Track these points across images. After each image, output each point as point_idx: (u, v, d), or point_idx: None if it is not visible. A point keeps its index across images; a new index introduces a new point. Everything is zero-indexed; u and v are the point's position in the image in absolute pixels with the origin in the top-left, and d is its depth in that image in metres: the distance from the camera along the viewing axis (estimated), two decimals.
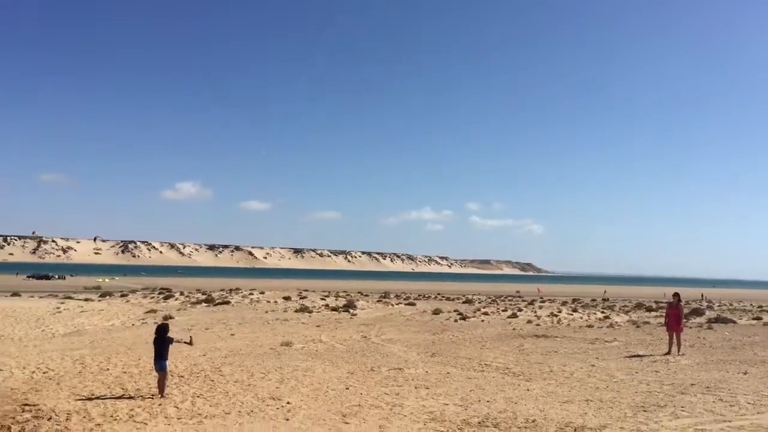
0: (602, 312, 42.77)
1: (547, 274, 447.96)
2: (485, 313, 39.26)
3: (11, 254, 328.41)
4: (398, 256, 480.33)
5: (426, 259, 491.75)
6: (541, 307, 46.71)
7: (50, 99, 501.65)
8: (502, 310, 42.44)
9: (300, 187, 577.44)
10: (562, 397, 12.81)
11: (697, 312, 40.40)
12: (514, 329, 29.28)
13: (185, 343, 13.08)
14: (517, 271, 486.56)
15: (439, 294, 73.59)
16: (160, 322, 13.06)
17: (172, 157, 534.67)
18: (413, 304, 47.92)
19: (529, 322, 33.39)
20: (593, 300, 67.33)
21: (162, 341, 12.21)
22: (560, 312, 40.98)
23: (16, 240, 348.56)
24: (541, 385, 14.23)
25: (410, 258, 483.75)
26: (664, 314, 24.20)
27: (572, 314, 39.79)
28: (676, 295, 21.26)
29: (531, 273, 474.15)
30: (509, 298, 68.69)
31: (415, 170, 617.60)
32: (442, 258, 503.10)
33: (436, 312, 39.12)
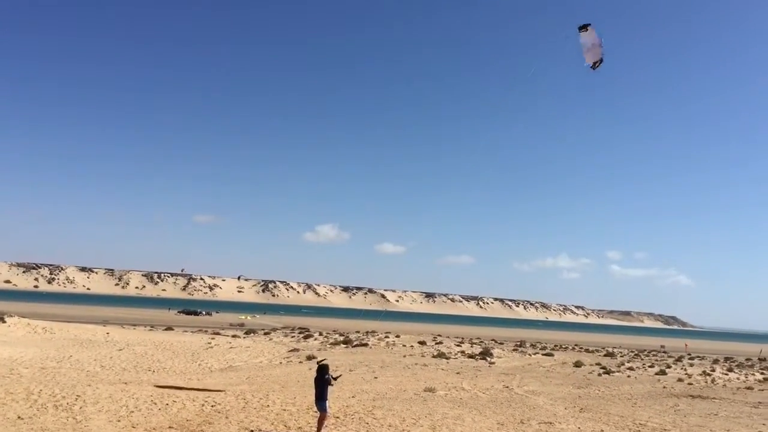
0: (761, 373, 39.63)
1: (693, 329, 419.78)
2: (630, 368, 37.53)
3: (164, 290, 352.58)
4: (531, 304, 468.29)
5: (560, 308, 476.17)
6: (691, 365, 43.96)
7: (210, 142, 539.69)
8: (648, 366, 40.35)
9: (434, 230, 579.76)
10: None
11: None
12: (664, 387, 27.83)
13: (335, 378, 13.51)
14: (660, 324, 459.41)
15: (576, 345, 71.05)
16: (320, 362, 13.64)
17: (315, 201, 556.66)
18: (551, 355, 46.61)
19: (680, 380, 31.58)
20: (748, 359, 62.44)
21: (322, 382, 12.79)
22: (713, 371, 38.43)
23: (168, 277, 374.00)
24: None
25: (544, 306, 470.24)
26: None
27: (727, 374, 37.19)
28: None
29: (675, 327, 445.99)
30: (654, 353, 65.08)
31: (553, 216, 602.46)
32: (577, 307, 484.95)
33: (578, 364, 37.85)
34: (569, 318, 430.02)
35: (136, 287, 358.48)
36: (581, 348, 63.73)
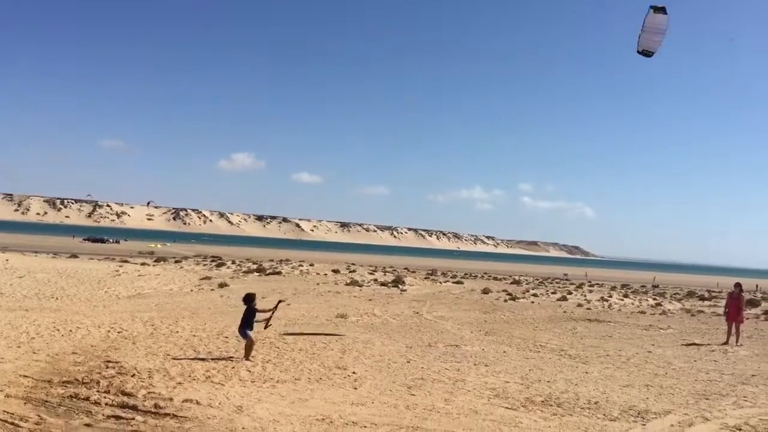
0: (653, 299, 42.32)
1: (594, 258, 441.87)
2: (534, 295, 39.26)
3: (68, 217, 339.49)
4: (444, 234, 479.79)
5: (472, 239, 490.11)
6: (590, 291, 46.40)
7: (115, 66, 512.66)
8: (551, 293, 42.33)
9: (351, 160, 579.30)
10: (622, 381, 12.94)
11: (753, 303, 39.61)
12: (564, 312, 29.29)
13: (265, 320, 13.36)
14: (564, 254, 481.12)
15: (485, 273, 73.53)
16: (247, 292, 13.56)
17: (230, 128, 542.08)
18: (461, 283, 48.13)
19: (580, 305, 33.30)
20: (643, 286, 66.44)
21: (249, 311, 12.74)
22: (611, 297, 40.72)
23: (72, 203, 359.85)
24: (599, 368, 14.35)
25: (456, 236, 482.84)
26: (721, 304, 23.90)
27: (623, 300, 39.52)
28: (737, 285, 21.00)
29: (578, 256, 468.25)
30: (557, 280, 68.23)
31: (467, 149, 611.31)
32: (488, 238, 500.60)
33: (485, 291, 39.27)
34: (480, 248, 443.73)
35: (38, 213, 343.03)
36: (490, 276, 66.00)
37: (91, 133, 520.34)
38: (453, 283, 48.05)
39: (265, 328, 13.70)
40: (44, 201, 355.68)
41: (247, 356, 12.67)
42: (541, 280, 65.34)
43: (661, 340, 20.39)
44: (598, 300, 37.41)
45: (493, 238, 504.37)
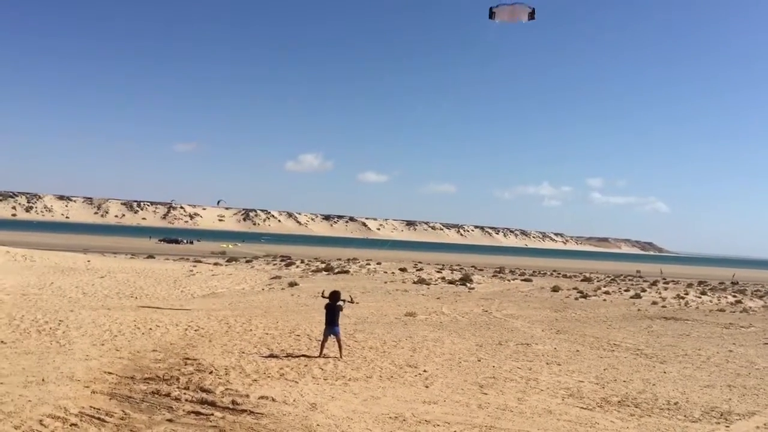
0: (733, 296, 40.73)
1: (669, 254, 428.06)
2: (606, 293, 38.37)
3: (144, 219, 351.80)
4: (511, 231, 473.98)
5: (540, 235, 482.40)
6: (666, 289, 45.02)
7: (187, 72, 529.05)
8: (624, 290, 41.28)
9: (418, 159, 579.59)
10: (702, 381, 12.52)
11: None
12: (639, 310, 28.54)
13: (351, 301, 14.03)
14: (636, 250, 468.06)
15: (555, 271, 72.31)
16: (332, 289, 13.88)
17: (299, 129, 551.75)
18: (530, 281, 47.49)
19: (655, 303, 32.37)
20: (721, 283, 64.03)
21: (333, 308, 12.98)
22: (687, 294, 39.42)
23: (148, 205, 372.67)
24: (677, 368, 13.93)
25: (524, 233, 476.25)
26: None
27: (700, 297, 38.19)
28: None
29: (652, 252, 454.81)
30: (629, 277, 66.45)
31: (536, 144, 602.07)
32: (557, 234, 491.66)
33: (555, 289, 38.62)
34: (548, 245, 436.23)
35: (116, 216, 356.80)
36: (559, 274, 64.88)
37: (166, 137, 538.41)
38: (522, 280, 47.47)
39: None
40: (122, 204, 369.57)
41: (340, 355, 12.90)
42: (612, 277, 63.75)
43: (743, 339, 19.63)
44: (674, 297, 36.26)
45: (561, 235, 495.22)
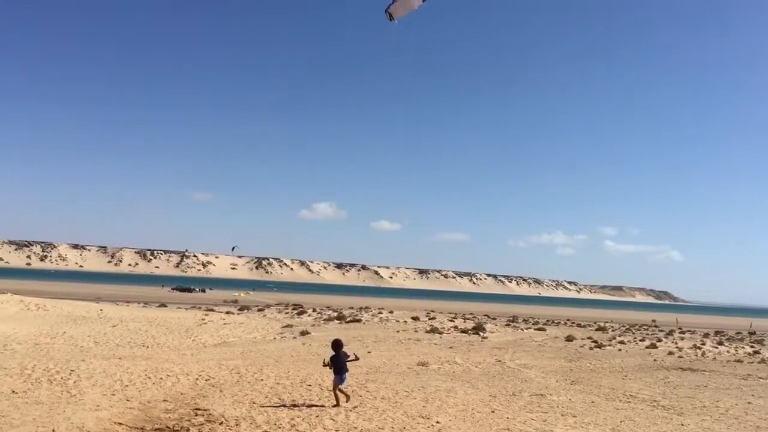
0: (751, 346, 40.05)
1: (684, 304, 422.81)
2: (621, 342, 37.86)
3: (157, 267, 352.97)
4: (524, 280, 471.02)
5: (553, 284, 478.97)
6: (682, 338, 44.38)
7: (202, 124, 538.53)
8: (639, 340, 40.72)
9: (431, 207, 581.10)
10: None
11: None
12: (655, 360, 28.11)
13: (356, 359, 13.67)
14: (651, 299, 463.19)
15: (568, 320, 71.58)
16: (334, 338, 13.86)
17: (313, 179, 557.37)
18: (543, 330, 46.99)
19: (671, 353, 31.88)
20: (738, 333, 63.07)
21: (338, 356, 12.90)
22: (704, 344, 38.80)
23: (161, 254, 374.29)
24: (695, 420, 13.67)
25: (537, 282, 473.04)
26: None
27: (717, 347, 37.57)
28: None
29: (667, 301, 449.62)
30: (645, 327, 65.62)
31: (549, 193, 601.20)
32: (570, 283, 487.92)
33: (569, 338, 38.15)
34: (562, 293, 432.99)
35: (129, 264, 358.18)
36: (573, 323, 64.20)
37: (180, 187, 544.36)
38: (535, 330, 46.98)
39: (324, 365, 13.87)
40: (135, 252, 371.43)
41: (347, 401, 12.80)
42: (627, 326, 62.97)
43: (762, 391, 19.25)
44: (691, 348, 35.71)
45: (575, 284, 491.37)
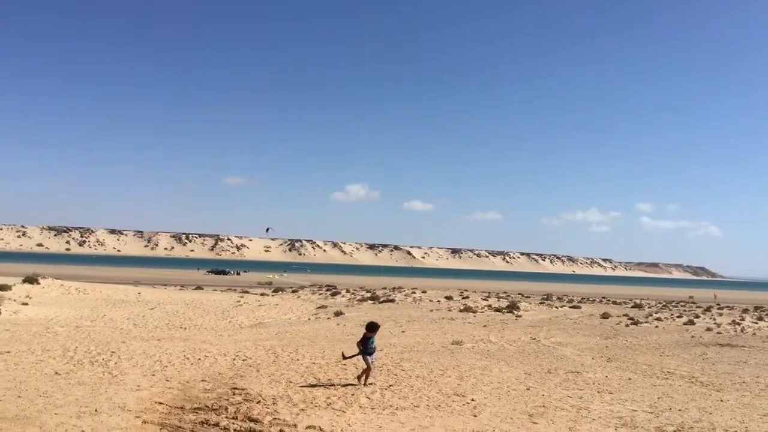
0: None
1: (722, 279, 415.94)
2: (658, 319, 37.41)
3: (192, 251, 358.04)
4: (558, 258, 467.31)
5: (588, 261, 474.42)
6: (720, 314, 43.68)
7: (236, 107, 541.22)
8: (677, 316, 40.18)
9: (465, 187, 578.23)
10: (762, 410, 12.07)
11: None
12: (692, 336, 27.72)
13: (350, 356, 13.77)
14: (688, 275, 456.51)
15: (603, 297, 70.99)
16: (369, 321, 13.89)
17: (346, 161, 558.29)
18: (578, 307, 46.64)
19: (709, 329, 31.41)
20: None
21: (367, 337, 12.98)
22: (743, 320, 38.16)
23: (196, 237, 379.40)
24: (734, 396, 13.46)
25: (571, 260, 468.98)
26: None
27: (757, 323, 36.91)
28: None
29: (704, 277, 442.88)
30: (682, 303, 64.77)
31: (583, 170, 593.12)
32: (605, 260, 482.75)
33: (605, 316, 37.83)
34: (596, 271, 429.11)
35: (165, 248, 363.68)
36: (608, 300, 63.66)
37: (215, 171, 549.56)
38: (570, 307, 46.65)
39: (344, 358, 14.11)
40: (171, 236, 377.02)
41: (365, 382, 12.85)
42: (664, 303, 62.20)
43: None
44: (729, 323, 35.15)
45: (610, 261, 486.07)
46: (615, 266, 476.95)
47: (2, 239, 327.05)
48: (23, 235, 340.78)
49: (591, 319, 36.02)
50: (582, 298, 64.73)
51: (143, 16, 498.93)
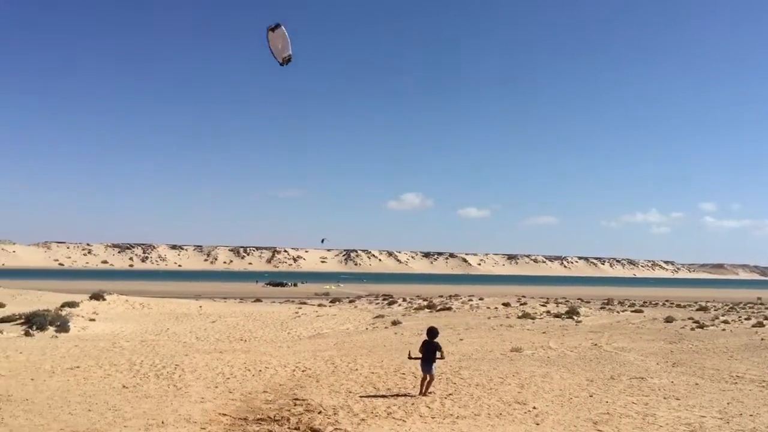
0: None
1: None
2: (725, 322, 36.23)
3: (250, 264, 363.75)
4: (618, 261, 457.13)
5: (649, 264, 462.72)
6: None
7: (290, 121, 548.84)
8: (745, 319, 38.86)
9: (519, 191, 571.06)
10: None
11: None
12: (762, 339, 26.69)
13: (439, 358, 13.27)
14: (756, 276, 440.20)
15: (667, 300, 69.16)
16: (430, 326, 13.79)
17: (401, 170, 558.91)
18: (640, 311, 45.58)
19: None
20: None
21: (430, 345, 12.86)
22: None
23: (254, 250, 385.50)
24: None
25: (631, 263, 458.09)
26: None
27: None
28: None
29: None
30: (749, 305, 62.54)
31: (643, 170, 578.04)
32: (667, 263, 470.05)
33: (669, 319, 36.84)
34: (658, 274, 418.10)
35: (224, 262, 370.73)
36: (672, 303, 62.00)
37: (270, 185, 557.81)
38: (632, 312, 45.62)
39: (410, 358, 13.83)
40: (229, 250, 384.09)
41: (425, 392, 12.80)
42: (731, 305, 60.19)
43: None
44: None
45: (672, 263, 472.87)
46: (678, 268, 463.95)
47: (69, 257, 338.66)
48: (89, 252, 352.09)
49: (654, 323, 35.13)
50: (644, 302, 63.20)
51: (200, 29, 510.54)
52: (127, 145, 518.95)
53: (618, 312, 45.28)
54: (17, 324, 27.74)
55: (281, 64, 12.37)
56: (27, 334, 25.22)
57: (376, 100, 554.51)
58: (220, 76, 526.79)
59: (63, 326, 26.97)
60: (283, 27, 11.98)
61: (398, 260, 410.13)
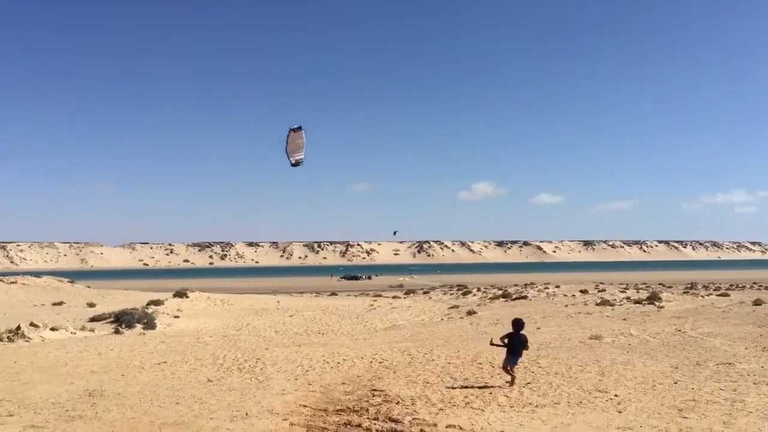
0: None
1: None
2: None
3: (325, 258, 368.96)
4: (701, 244, 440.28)
5: (734, 246, 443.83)
6: None
7: (356, 117, 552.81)
8: None
9: (593, 177, 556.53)
10: None
11: None
12: None
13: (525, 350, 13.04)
14: None
15: (755, 283, 66.26)
16: (515, 317, 13.23)
17: (472, 160, 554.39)
18: (726, 295, 43.82)
19: None
20: None
21: (516, 337, 12.59)
22: None
23: (328, 245, 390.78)
24: None
25: (715, 245, 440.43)
26: None
27: None
28: None
29: None
30: None
31: (724, 147, 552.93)
32: (753, 244, 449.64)
33: (757, 303, 35.27)
34: (745, 255, 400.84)
35: (299, 257, 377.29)
36: (761, 286, 59.38)
37: (343, 179, 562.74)
38: (717, 295, 43.93)
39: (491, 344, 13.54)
40: (304, 245, 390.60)
41: (512, 382, 12.62)
42: None
43: None
44: None
45: (760, 244, 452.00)
46: (766, 249, 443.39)
47: (153, 257, 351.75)
48: (171, 252, 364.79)
49: (742, 307, 33.72)
50: (730, 285, 60.81)
51: (268, 24, 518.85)
52: (204, 144, 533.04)
53: (702, 296, 43.69)
54: (107, 322, 29.14)
55: (292, 165, 12.72)
56: (117, 331, 26.44)
57: (441, 90, 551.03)
58: (284, 70, 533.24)
59: (150, 323, 28.14)
60: (303, 131, 12.30)
61: (471, 250, 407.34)
